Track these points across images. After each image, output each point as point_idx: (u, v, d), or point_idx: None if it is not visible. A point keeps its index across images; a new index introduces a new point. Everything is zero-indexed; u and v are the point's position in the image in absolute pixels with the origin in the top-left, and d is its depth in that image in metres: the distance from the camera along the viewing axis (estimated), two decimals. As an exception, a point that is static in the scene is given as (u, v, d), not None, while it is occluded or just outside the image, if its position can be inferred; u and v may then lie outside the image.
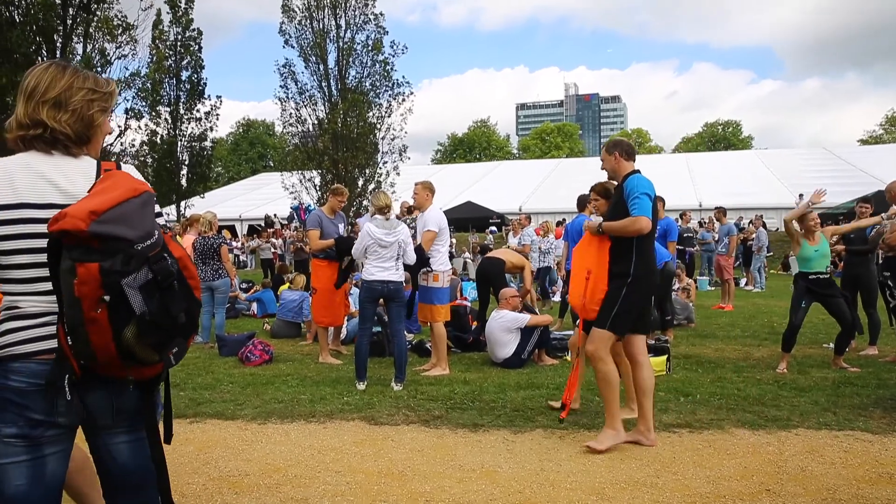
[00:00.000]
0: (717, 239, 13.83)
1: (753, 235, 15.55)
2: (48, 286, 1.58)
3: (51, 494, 1.62)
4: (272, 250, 18.69)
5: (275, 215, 28.61)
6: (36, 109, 1.66)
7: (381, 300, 5.93)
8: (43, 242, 1.56)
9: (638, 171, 4.11)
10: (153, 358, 1.59)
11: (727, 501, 3.17)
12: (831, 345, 7.21)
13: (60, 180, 1.64)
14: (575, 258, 4.40)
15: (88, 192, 1.61)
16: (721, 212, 13.12)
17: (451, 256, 6.81)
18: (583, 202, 8.53)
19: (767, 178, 32.79)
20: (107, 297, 1.46)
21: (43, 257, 1.57)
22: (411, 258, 5.69)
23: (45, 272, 1.57)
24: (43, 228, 1.57)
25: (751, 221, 18.26)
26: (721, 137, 72.44)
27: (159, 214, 1.77)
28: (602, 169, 4.33)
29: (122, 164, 1.77)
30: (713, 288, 14.88)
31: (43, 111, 1.66)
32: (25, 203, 1.59)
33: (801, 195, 26.45)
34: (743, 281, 16.23)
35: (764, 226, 16.55)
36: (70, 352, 1.54)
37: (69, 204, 1.58)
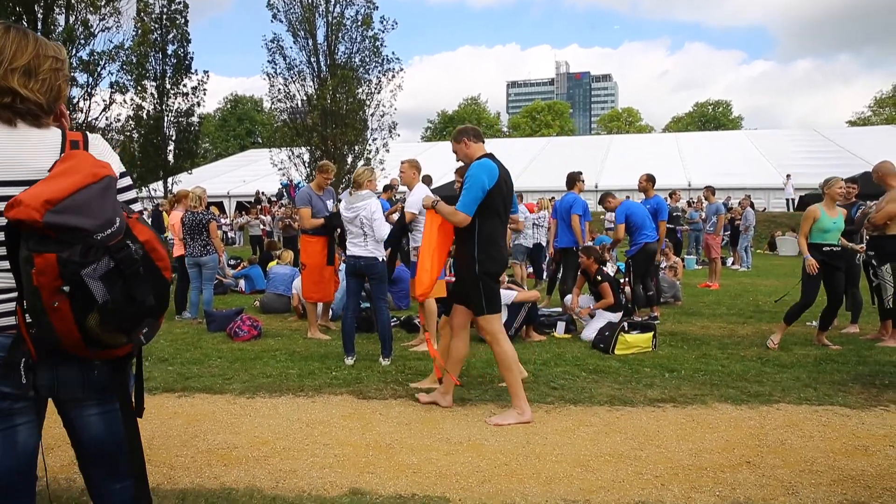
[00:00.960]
0: (704, 218, 13.92)
1: (741, 215, 15.64)
2: (7, 263, 1.54)
3: (23, 464, 1.61)
4: (261, 227, 18.60)
5: (262, 192, 28.43)
6: (5, 77, 1.57)
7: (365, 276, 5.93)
8: (2, 221, 1.51)
9: (487, 156, 4.17)
10: (120, 341, 1.57)
11: (709, 473, 3.24)
12: (814, 323, 7.32)
13: (22, 155, 1.57)
14: (424, 235, 4.44)
15: (49, 171, 1.54)
16: (710, 191, 13.17)
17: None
18: (572, 180, 8.57)
19: (756, 158, 32.94)
20: (66, 288, 1.42)
21: (2, 236, 1.53)
22: (380, 234, 5.61)
23: (3, 250, 1.54)
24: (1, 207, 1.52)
25: (739, 202, 18.35)
26: (711, 117, 72.50)
27: (131, 193, 1.73)
28: (457, 160, 4.45)
29: (89, 135, 1.69)
30: (700, 267, 15.01)
31: (13, 79, 1.58)
32: None
33: (788, 175, 26.65)
34: (730, 260, 16.37)
35: (752, 206, 16.62)
36: (27, 334, 1.51)
37: (32, 180, 1.53)
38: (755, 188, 26.93)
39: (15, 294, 1.56)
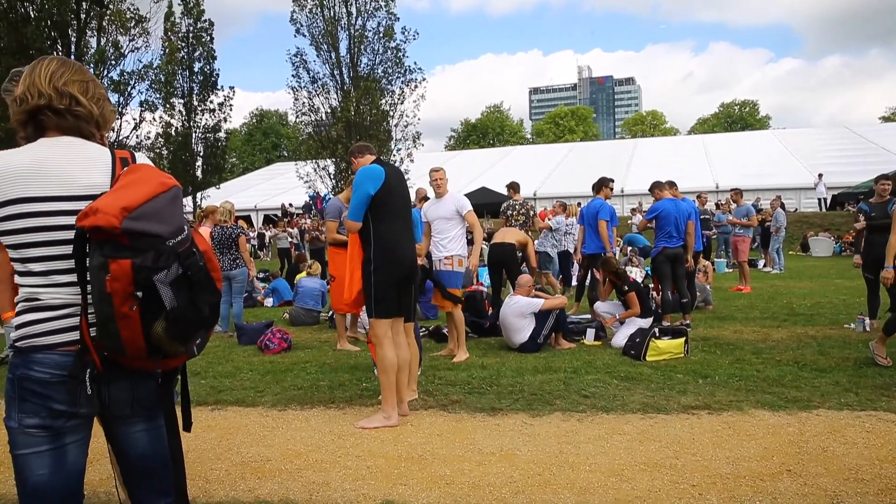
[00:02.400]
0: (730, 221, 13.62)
1: (771, 216, 15.33)
2: (68, 278, 1.59)
3: (72, 482, 1.63)
4: (289, 240, 18.78)
5: (290, 205, 28.76)
6: (66, 84, 1.66)
7: None
8: (61, 235, 1.57)
9: (375, 161, 4.31)
10: (179, 350, 1.60)
11: (747, 482, 3.16)
12: (852, 325, 7.15)
13: (76, 171, 1.62)
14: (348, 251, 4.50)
15: (113, 184, 1.61)
16: (738, 193, 12.94)
17: (469, 242, 6.80)
18: (599, 185, 8.52)
19: (785, 158, 32.37)
20: (139, 294, 1.47)
21: (61, 249, 1.58)
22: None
23: (64, 264, 1.58)
24: (60, 221, 1.57)
25: (770, 203, 17.99)
26: (738, 118, 71.51)
27: None
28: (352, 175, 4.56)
29: (135, 153, 1.77)
30: (731, 270, 14.75)
31: (74, 87, 1.66)
32: (41, 196, 1.57)
33: (820, 175, 26.10)
34: (761, 262, 16.06)
35: (782, 206, 16.28)
36: (93, 345, 1.55)
37: (87, 195, 1.59)
38: (785, 188, 26.44)
39: (71, 310, 1.60)
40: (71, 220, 1.58)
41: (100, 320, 1.51)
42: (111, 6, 19.82)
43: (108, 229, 1.45)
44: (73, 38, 18.96)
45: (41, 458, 1.57)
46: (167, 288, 1.49)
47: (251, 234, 23.85)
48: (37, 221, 1.57)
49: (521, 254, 7.96)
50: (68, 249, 1.57)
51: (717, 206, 18.97)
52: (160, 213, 1.53)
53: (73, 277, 1.59)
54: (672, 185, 8.34)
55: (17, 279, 1.63)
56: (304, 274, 10.83)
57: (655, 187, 8.11)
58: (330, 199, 11.41)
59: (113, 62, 20.44)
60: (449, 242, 6.11)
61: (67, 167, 1.62)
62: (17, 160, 1.60)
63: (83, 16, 19.28)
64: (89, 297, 1.54)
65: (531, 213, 9.18)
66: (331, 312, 8.04)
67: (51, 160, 1.61)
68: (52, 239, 1.58)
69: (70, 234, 1.57)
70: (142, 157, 1.76)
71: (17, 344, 1.59)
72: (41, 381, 1.57)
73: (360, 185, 4.15)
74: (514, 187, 9.69)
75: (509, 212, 9.00)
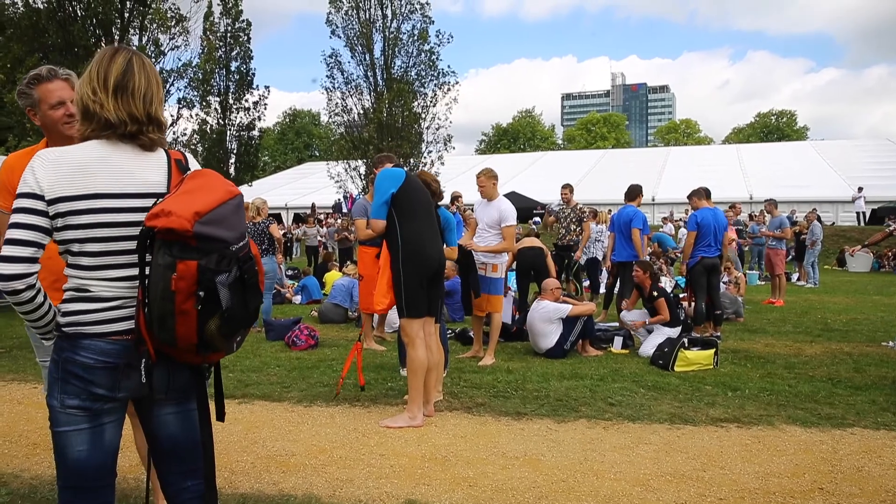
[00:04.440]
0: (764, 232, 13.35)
1: (807, 229, 14.99)
2: (119, 273, 1.67)
3: (109, 458, 1.72)
4: (318, 238, 18.95)
5: (314, 205, 29.02)
6: (156, 109, 1.74)
7: None
8: (117, 231, 1.64)
9: (391, 167, 4.37)
10: (224, 347, 1.69)
11: (777, 498, 3.09)
12: (891, 343, 6.95)
13: (136, 170, 1.69)
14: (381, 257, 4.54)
15: (174, 186, 1.68)
16: (772, 204, 12.67)
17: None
18: (633, 193, 8.46)
19: (823, 169, 31.63)
20: (201, 293, 1.56)
21: (115, 245, 1.65)
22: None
23: (116, 259, 1.66)
24: (118, 218, 1.64)
25: (805, 216, 17.62)
26: (774, 128, 70.13)
27: None
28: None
29: (187, 155, 1.84)
30: (763, 282, 14.46)
31: (159, 109, 1.75)
32: (102, 193, 1.64)
33: (860, 188, 25.44)
34: (795, 276, 15.71)
35: (819, 219, 15.91)
36: (149, 337, 1.62)
37: (144, 193, 1.67)
38: (822, 201, 25.84)
39: (119, 302, 1.67)
40: (130, 216, 1.66)
41: (158, 315, 1.58)
42: (153, 5, 20.29)
43: (180, 232, 1.53)
44: (116, 36, 19.44)
45: (80, 435, 1.66)
46: (226, 289, 1.58)
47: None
48: (92, 218, 1.63)
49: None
50: (123, 245, 1.65)
51: (751, 217, 18.64)
52: (227, 220, 1.63)
53: (124, 272, 1.67)
54: (707, 193, 8.19)
55: (66, 270, 1.69)
56: (334, 274, 10.93)
57: (694, 195, 7.96)
58: (359, 199, 11.50)
59: (153, 60, 20.90)
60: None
61: (126, 164, 1.69)
62: (86, 154, 1.66)
63: (126, 14, 19.77)
64: (146, 292, 1.61)
65: (583, 217, 9.18)
66: (357, 312, 8.10)
67: (113, 155, 1.68)
68: (105, 235, 1.65)
69: (126, 231, 1.65)
70: (193, 161, 1.84)
71: (64, 329, 1.66)
72: (85, 365, 1.64)
73: (380, 185, 4.25)
74: (569, 189, 9.65)
75: (562, 214, 8.99)
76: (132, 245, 1.63)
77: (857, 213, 25.26)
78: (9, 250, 1.58)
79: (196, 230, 1.54)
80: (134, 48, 1.86)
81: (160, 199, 1.63)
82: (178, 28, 21.07)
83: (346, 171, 25.29)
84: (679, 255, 11.95)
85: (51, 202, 1.60)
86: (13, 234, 1.59)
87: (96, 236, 1.64)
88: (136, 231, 1.63)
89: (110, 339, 1.66)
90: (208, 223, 1.57)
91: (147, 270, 1.59)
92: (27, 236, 1.59)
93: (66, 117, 2.38)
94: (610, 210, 13.49)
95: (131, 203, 1.66)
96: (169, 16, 20.73)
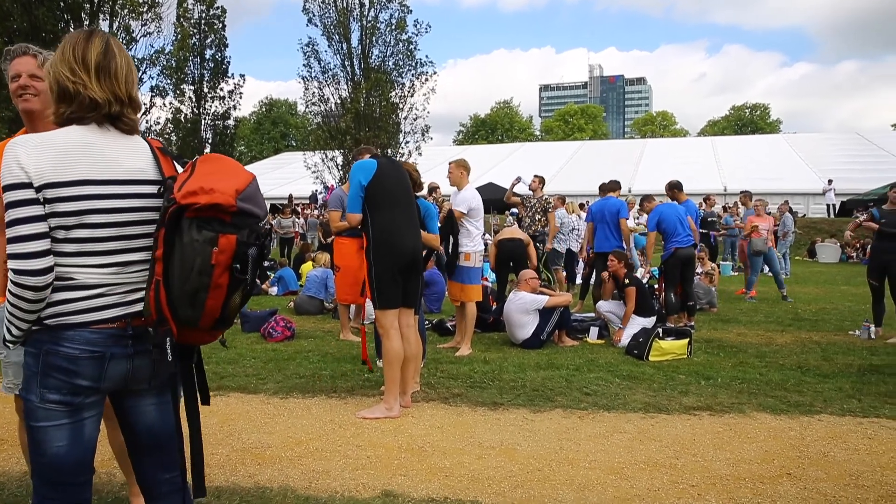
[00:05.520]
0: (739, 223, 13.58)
1: (779, 221, 15.25)
2: (106, 259, 1.66)
3: (88, 454, 1.70)
4: (293, 229, 18.78)
5: (290, 196, 28.80)
6: (132, 88, 1.75)
7: None
8: (103, 218, 1.62)
9: (367, 158, 4.37)
10: (232, 322, 1.76)
11: (747, 484, 3.16)
12: (858, 332, 7.12)
13: (121, 157, 1.68)
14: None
15: (189, 169, 1.67)
16: (746, 196, 12.87)
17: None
18: (613, 186, 8.65)
19: (795, 162, 32.17)
20: (238, 265, 1.62)
21: (102, 232, 1.63)
22: None
23: (102, 246, 1.65)
24: (104, 204, 1.62)
25: (778, 207, 17.92)
26: (748, 121, 71.11)
27: None
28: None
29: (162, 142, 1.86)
30: (736, 273, 14.69)
31: (136, 90, 1.78)
32: (87, 180, 1.61)
33: (830, 181, 25.94)
34: (766, 268, 15.97)
35: (790, 211, 16.21)
36: (171, 316, 1.63)
37: (131, 180, 1.67)
38: (794, 193, 26.28)
39: (104, 289, 1.66)
40: (116, 202, 1.65)
41: (190, 291, 1.61)
42: (124, -10, 19.87)
43: (225, 207, 1.60)
44: (85, 22, 18.99)
45: (60, 431, 1.63)
46: (252, 263, 1.65)
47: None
48: (88, 204, 1.61)
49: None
50: (109, 232, 1.65)
51: (725, 208, 18.90)
52: (256, 198, 1.69)
53: (110, 259, 1.66)
54: (676, 186, 8.29)
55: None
56: (310, 266, 10.85)
57: (645, 200, 8.33)
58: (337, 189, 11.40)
59: (124, 46, 20.48)
60: (461, 237, 6.11)
61: (111, 152, 1.67)
62: (70, 139, 1.63)
63: (96, -1, 19.33)
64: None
65: (548, 208, 9.25)
66: (334, 303, 8.06)
67: (98, 143, 1.66)
68: (91, 222, 1.62)
69: (114, 217, 1.64)
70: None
71: (46, 322, 1.62)
72: (70, 356, 1.61)
73: (352, 178, 4.26)
74: (538, 179, 9.70)
75: (528, 203, 9.08)
76: (121, 231, 1.65)
77: (828, 205, 25.76)
78: (31, 246, 1.55)
79: (239, 205, 1.61)
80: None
81: (169, 182, 1.66)
82: (150, 14, 20.65)
83: (323, 161, 25.10)
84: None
85: (38, 189, 1.56)
86: (25, 229, 1.55)
87: (86, 223, 1.61)
88: (125, 217, 1.65)
89: (95, 328, 1.64)
90: (246, 199, 1.64)
91: (169, 251, 1.61)
92: (39, 229, 1.57)
93: (20, 89, 2.33)
94: (587, 202, 13.60)
95: (120, 189, 1.66)
96: (140, 1, 20.29)
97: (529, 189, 9.77)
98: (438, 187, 11.51)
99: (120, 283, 1.68)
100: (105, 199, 1.63)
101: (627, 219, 8.33)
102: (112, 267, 1.67)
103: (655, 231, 7.91)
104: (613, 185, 8.78)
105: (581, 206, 14.46)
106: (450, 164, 6.35)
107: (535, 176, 9.75)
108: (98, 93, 1.65)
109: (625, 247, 8.19)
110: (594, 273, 8.93)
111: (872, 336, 6.92)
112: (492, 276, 11.22)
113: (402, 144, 25.02)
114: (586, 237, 9.36)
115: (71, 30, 18.36)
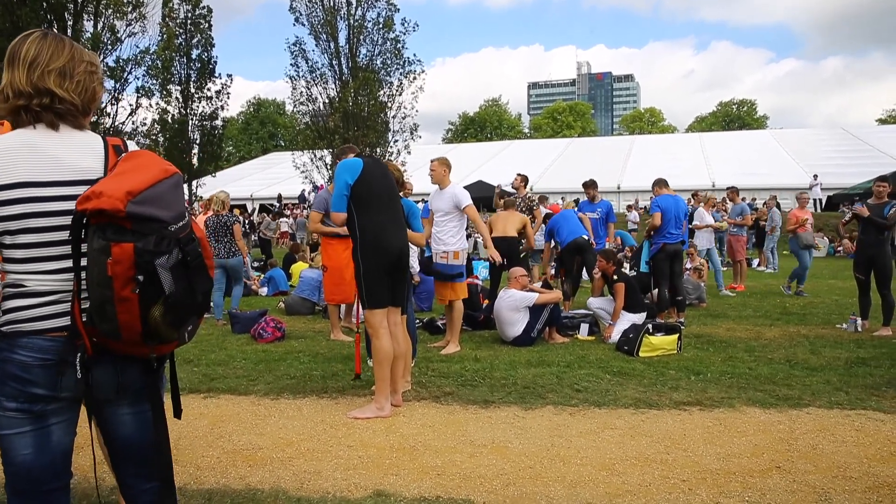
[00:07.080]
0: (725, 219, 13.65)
1: (766, 216, 15.36)
2: (55, 265, 1.58)
3: (58, 461, 1.64)
4: (284, 229, 18.72)
5: (279, 197, 28.71)
6: (42, 78, 1.62)
7: None
8: (50, 221, 1.56)
9: (352, 157, 4.38)
10: (173, 336, 1.60)
11: (737, 478, 3.18)
12: (845, 325, 7.19)
13: (67, 157, 1.61)
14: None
15: (110, 169, 1.60)
16: (734, 192, 12.96)
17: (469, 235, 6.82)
18: (586, 187, 8.82)
19: (782, 157, 32.44)
20: (140, 277, 1.47)
21: (49, 236, 1.57)
22: None
23: (50, 251, 1.58)
24: (51, 207, 1.56)
25: (765, 202, 18.06)
26: (735, 117, 71.62)
27: None
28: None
29: (127, 142, 1.78)
30: (725, 268, 14.78)
31: (50, 80, 1.62)
32: (29, 182, 1.55)
33: (815, 175, 26.17)
34: (755, 262, 16.10)
35: (778, 206, 16.32)
36: (84, 330, 1.54)
37: (79, 180, 1.59)
38: (781, 188, 26.45)
39: (58, 296, 1.59)
40: (62, 205, 1.57)
41: (96, 303, 1.50)
42: (108, -11, 19.69)
43: (112, 212, 1.46)
44: (69, 22, 18.80)
45: (24, 438, 1.58)
46: (167, 273, 1.50)
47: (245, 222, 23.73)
48: (21, 208, 1.55)
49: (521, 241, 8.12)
50: (56, 236, 1.57)
51: (713, 204, 19.01)
52: (163, 199, 1.54)
53: (59, 264, 1.58)
54: (662, 182, 8.33)
55: (3, 265, 1.61)
56: (305, 266, 10.81)
57: (656, 185, 8.19)
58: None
59: (109, 47, 20.29)
60: (446, 236, 6.09)
61: (58, 151, 1.61)
62: (10, 142, 1.58)
63: (80, -1, 19.14)
64: (82, 282, 1.54)
65: (532, 206, 9.29)
66: (324, 304, 8.04)
67: (41, 144, 1.60)
68: (37, 226, 1.56)
69: (60, 220, 1.56)
70: (132, 146, 1.76)
71: (2, 329, 1.58)
72: (24, 364, 1.55)
73: (338, 177, 4.23)
74: (521, 178, 9.72)
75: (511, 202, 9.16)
76: (66, 235, 1.55)
77: (814, 200, 25.97)
78: None
79: (129, 210, 1.46)
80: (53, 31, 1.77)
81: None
82: (134, 14, 20.48)
83: (311, 160, 25.00)
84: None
85: None
86: None
87: (28, 227, 1.55)
88: (69, 220, 1.54)
89: (48, 335, 1.58)
90: (142, 203, 1.49)
91: (83, 260, 1.52)
92: None
93: None
94: (578, 199, 13.63)
95: (63, 191, 1.58)
96: (125, 1, 20.10)
97: (513, 188, 9.80)
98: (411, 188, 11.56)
99: (72, 290, 1.58)
100: (48, 201, 1.56)
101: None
102: (63, 273, 1.59)
103: (659, 213, 7.84)
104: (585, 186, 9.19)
105: (575, 201, 14.50)
106: (432, 161, 6.25)
107: (518, 174, 9.77)
108: (20, 84, 1.60)
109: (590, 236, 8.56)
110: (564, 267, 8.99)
111: (859, 329, 6.99)
112: (482, 274, 11.25)
113: (391, 143, 24.95)
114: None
115: (55, 30, 18.20)
